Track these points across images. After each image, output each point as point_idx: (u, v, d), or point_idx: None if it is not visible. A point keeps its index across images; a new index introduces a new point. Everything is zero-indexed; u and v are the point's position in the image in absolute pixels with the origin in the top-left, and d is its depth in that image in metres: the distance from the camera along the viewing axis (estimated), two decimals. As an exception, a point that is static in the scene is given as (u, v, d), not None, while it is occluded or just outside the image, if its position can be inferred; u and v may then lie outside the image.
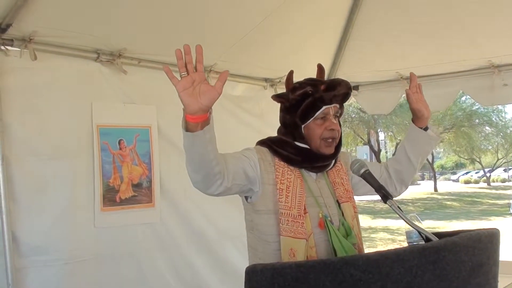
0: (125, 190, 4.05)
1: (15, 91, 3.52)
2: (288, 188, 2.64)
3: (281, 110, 2.84)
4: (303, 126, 2.72)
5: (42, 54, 3.60)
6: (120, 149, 4.03)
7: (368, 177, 2.60)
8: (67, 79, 3.79)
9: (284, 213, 2.60)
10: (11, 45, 3.48)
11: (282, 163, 2.70)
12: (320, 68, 2.94)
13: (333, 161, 2.84)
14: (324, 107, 2.68)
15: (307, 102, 2.69)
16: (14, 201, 3.47)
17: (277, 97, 2.84)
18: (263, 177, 2.64)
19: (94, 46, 3.88)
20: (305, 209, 2.64)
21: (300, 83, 2.80)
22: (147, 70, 4.24)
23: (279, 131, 2.86)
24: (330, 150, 2.73)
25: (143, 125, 4.21)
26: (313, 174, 2.78)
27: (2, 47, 3.45)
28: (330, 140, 2.71)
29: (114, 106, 4.06)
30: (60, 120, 3.74)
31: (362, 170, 2.63)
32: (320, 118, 2.70)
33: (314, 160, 2.75)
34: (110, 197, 3.96)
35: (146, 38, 4.03)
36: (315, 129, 2.70)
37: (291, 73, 2.85)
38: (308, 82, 2.78)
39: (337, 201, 2.79)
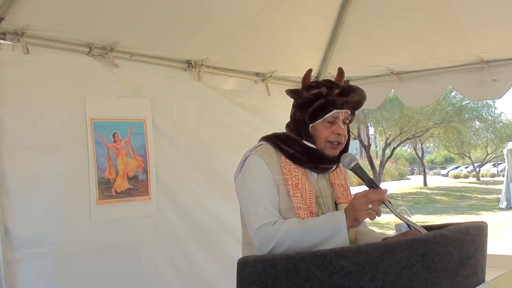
0: (120, 183, 4.05)
1: (7, 84, 3.52)
2: (298, 186, 2.65)
3: (293, 106, 2.84)
4: (311, 125, 2.72)
5: (35, 47, 3.59)
6: (115, 142, 4.03)
7: (358, 171, 2.62)
8: (60, 72, 3.80)
9: (302, 207, 2.62)
10: (4, 39, 3.47)
11: (288, 160, 2.71)
12: (340, 72, 2.92)
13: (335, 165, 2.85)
14: (334, 111, 2.69)
15: (319, 102, 2.69)
16: (7, 194, 3.47)
17: (290, 92, 2.84)
18: (275, 180, 2.66)
19: (86, 40, 3.88)
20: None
21: (317, 82, 2.83)
22: (139, 64, 4.24)
23: (287, 126, 2.86)
24: (334, 153, 2.74)
25: (137, 118, 4.21)
26: (314, 174, 2.80)
27: (-5, 41, 3.46)
28: (336, 143, 2.72)
29: (108, 100, 4.06)
30: (53, 113, 3.74)
31: (353, 164, 2.64)
32: (328, 121, 2.70)
33: (320, 161, 2.76)
34: (106, 190, 3.96)
35: (138, 32, 4.04)
36: (322, 130, 2.71)
37: (309, 71, 2.86)
38: (325, 83, 2.80)
39: (335, 202, 2.81)
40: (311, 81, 2.85)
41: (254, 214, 2.62)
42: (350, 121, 2.81)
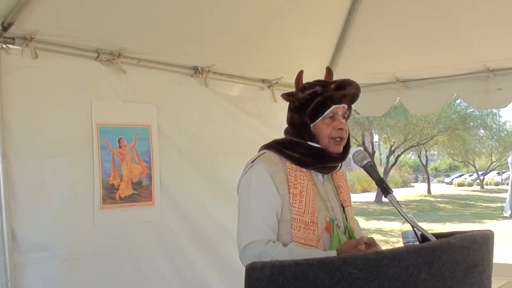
0: (124, 188, 4.06)
1: (16, 89, 3.54)
2: (302, 193, 2.64)
3: (290, 109, 2.84)
4: (312, 125, 2.72)
5: (43, 52, 3.62)
6: (120, 147, 4.05)
7: (369, 169, 2.63)
8: (68, 77, 3.82)
9: (297, 219, 2.60)
10: (13, 44, 3.50)
11: (293, 166, 2.69)
12: (329, 71, 2.94)
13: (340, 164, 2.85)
14: (333, 106, 2.69)
15: (317, 101, 2.70)
16: (14, 198, 3.49)
17: (286, 96, 2.85)
18: (279, 190, 2.64)
19: (94, 45, 3.91)
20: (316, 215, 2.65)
21: (309, 83, 2.82)
22: (147, 69, 4.27)
23: (286, 131, 2.85)
24: (338, 149, 2.74)
25: (143, 124, 4.22)
26: (320, 177, 2.79)
27: (4, 46, 3.47)
28: (339, 139, 2.72)
29: (114, 105, 4.08)
30: (60, 118, 3.76)
31: (365, 162, 2.65)
32: (328, 117, 2.71)
33: (327, 160, 2.75)
34: (110, 195, 3.98)
35: (146, 38, 4.06)
36: (323, 128, 2.70)
37: (300, 72, 2.87)
38: (318, 82, 2.80)
39: (342, 205, 2.81)
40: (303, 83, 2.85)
41: (244, 230, 2.61)
42: (348, 116, 2.82)
